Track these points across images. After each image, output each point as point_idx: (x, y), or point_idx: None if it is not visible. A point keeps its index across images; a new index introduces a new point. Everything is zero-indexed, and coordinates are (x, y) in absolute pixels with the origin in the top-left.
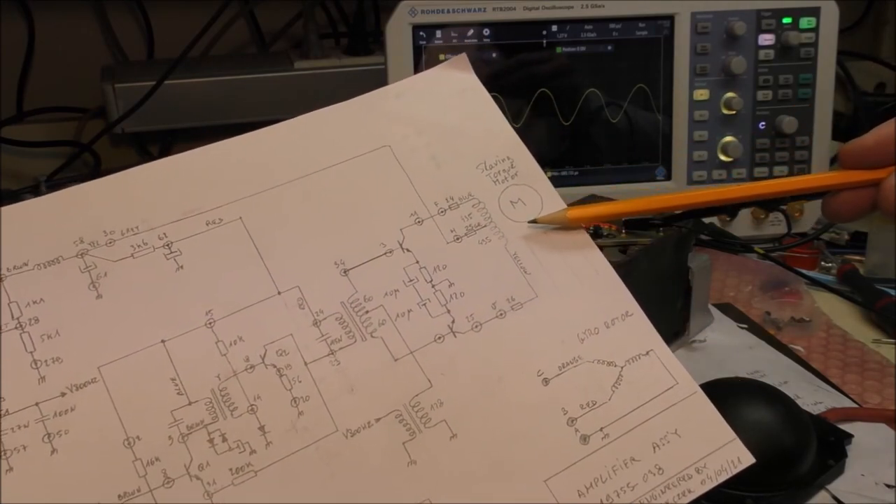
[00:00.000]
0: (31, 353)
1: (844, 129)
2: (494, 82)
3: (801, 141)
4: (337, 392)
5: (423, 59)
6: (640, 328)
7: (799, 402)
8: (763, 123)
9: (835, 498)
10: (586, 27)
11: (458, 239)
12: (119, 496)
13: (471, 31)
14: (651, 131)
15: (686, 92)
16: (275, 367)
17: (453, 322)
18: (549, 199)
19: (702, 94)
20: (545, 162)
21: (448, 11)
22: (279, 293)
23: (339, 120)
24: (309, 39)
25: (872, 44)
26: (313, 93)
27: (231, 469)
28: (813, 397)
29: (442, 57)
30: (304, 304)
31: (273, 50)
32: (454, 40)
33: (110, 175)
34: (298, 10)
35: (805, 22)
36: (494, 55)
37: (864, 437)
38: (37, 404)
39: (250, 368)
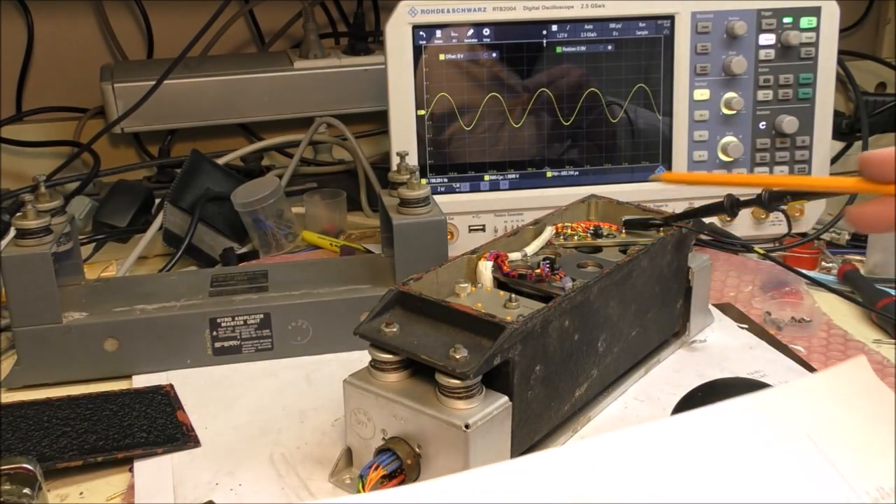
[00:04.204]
0: None
1: (845, 129)
2: (495, 82)
3: (801, 141)
4: None
5: (422, 58)
6: None
7: None
8: (763, 123)
9: None
10: (586, 27)
11: None
12: None
13: (471, 31)
14: (651, 131)
15: (686, 92)
16: None
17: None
18: None
19: (702, 94)
20: (545, 162)
21: (448, 11)
22: None
23: (758, 412)
24: (308, 39)
25: (873, 44)
26: (313, 93)
27: None
28: None
29: (442, 57)
30: None
31: (272, 50)
32: (454, 40)
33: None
34: (298, 9)
35: (806, 21)
36: (494, 55)
37: None
38: None
39: None
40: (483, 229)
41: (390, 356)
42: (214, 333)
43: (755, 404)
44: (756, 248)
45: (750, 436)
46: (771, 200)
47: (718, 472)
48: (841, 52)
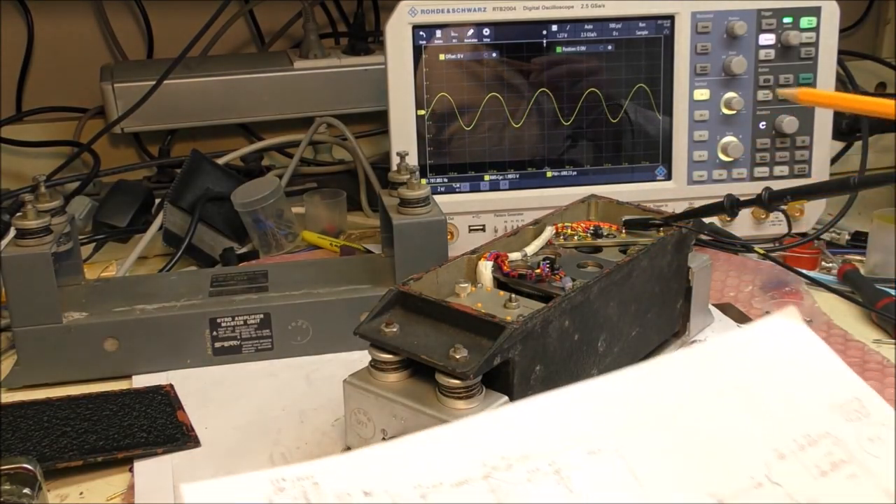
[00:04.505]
0: None
1: (845, 129)
2: (495, 82)
3: (801, 141)
4: None
5: (422, 58)
6: None
7: None
8: (763, 123)
9: None
10: (586, 27)
11: (824, 474)
12: None
13: (471, 31)
14: (651, 131)
15: (686, 92)
16: None
17: None
18: None
19: (702, 94)
20: (545, 162)
21: (448, 11)
22: None
23: (688, 363)
24: (308, 39)
25: (873, 43)
26: (313, 92)
27: None
28: None
29: (442, 57)
30: None
31: (272, 50)
32: (454, 40)
33: (497, 409)
34: (298, 9)
35: (805, 21)
36: (494, 55)
37: None
38: None
39: None
40: (483, 229)
41: (390, 356)
42: (214, 333)
43: (686, 359)
44: (756, 248)
45: (681, 389)
46: (771, 200)
47: (649, 426)
48: (841, 52)
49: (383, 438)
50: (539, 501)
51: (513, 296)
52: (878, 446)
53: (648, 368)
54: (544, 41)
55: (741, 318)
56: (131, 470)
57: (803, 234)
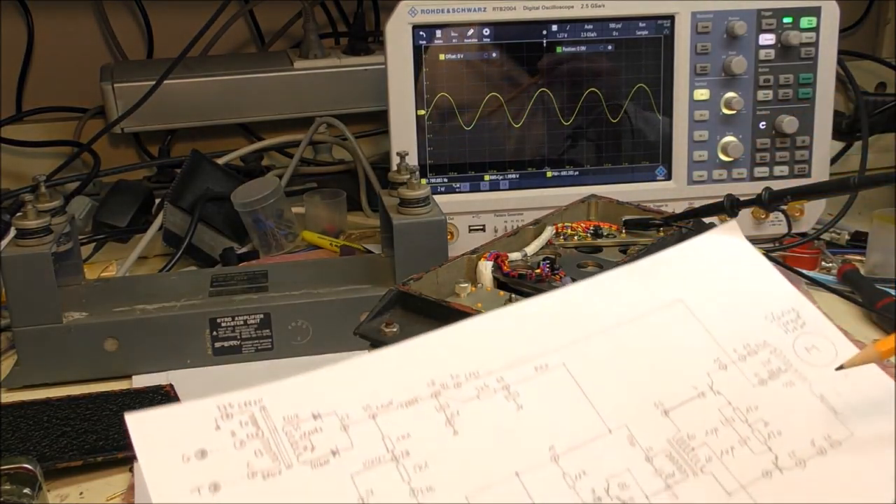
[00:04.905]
0: (407, 482)
1: (845, 129)
2: (495, 82)
3: (801, 141)
4: None
5: (423, 58)
6: None
7: None
8: (763, 123)
9: None
10: (586, 27)
11: (762, 382)
12: None
13: (471, 31)
14: (651, 131)
15: (686, 92)
16: (619, 499)
17: (776, 459)
18: (841, 345)
19: (702, 94)
20: (545, 162)
21: (448, 11)
22: (610, 431)
23: (632, 279)
24: (308, 39)
25: (873, 44)
26: (313, 92)
27: None
28: None
29: (442, 57)
30: (634, 441)
31: (272, 50)
32: (454, 40)
33: (446, 328)
34: (298, 9)
35: (805, 21)
36: (494, 55)
37: None
38: None
39: (598, 500)
40: (483, 229)
41: None
42: (214, 333)
43: (628, 273)
44: (756, 248)
45: (624, 303)
46: (771, 200)
47: (594, 341)
48: (841, 52)
49: None
50: (488, 417)
51: (513, 296)
52: (814, 355)
53: (591, 284)
54: (544, 41)
55: None
56: (131, 470)
57: (803, 234)
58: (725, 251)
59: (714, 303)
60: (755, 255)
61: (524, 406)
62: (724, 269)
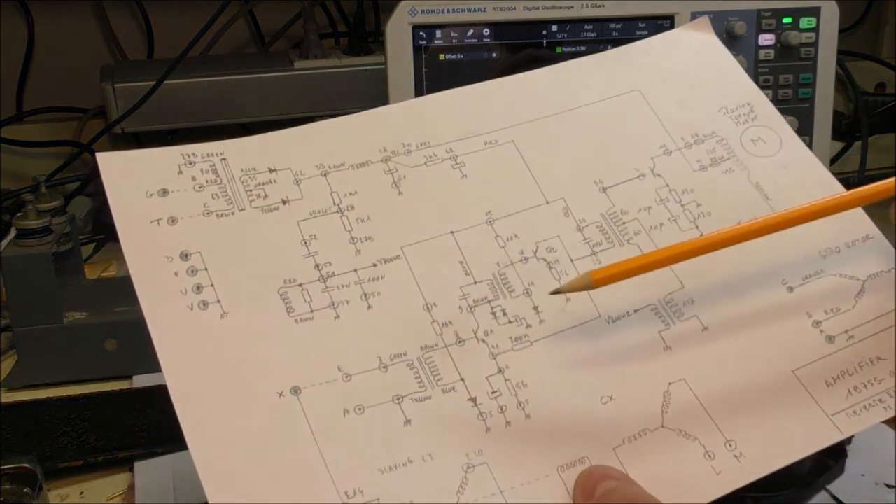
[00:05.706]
0: (349, 231)
1: (844, 129)
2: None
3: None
4: None
5: (423, 58)
6: (881, 249)
7: None
8: None
9: (834, 498)
10: (586, 27)
11: (703, 168)
12: (422, 348)
13: (471, 31)
14: None
15: None
16: (545, 260)
17: (701, 235)
18: (787, 138)
19: None
20: None
21: (448, 11)
22: (547, 202)
23: (594, 67)
24: (309, 39)
25: (872, 44)
26: (313, 93)
27: (511, 338)
28: None
29: (442, 57)
30: (568, 212)
31: (273, 50)
32: (454, 40)
33: (406, 101)
34: (298, 9)
35: (805, 22)
36: (494, 55)
37: (865, 436)
38: (355, 270)
39: (524, 260)
40: None
41: None
42: None
43: (589, 62)
44: None
45: (582, 89)
46: None
47: (547, 122)
48: (841, 52)
49: None
50: (432, 182)
51: None
52: (759, 146)
53: (554, 70)
54: (544, 41)
55: None
56: (131, 470)
57: None
58: (692, 45)
59: (671, 94)
60: (721, 50)
61: (468, 175)
62: (688, 62)
